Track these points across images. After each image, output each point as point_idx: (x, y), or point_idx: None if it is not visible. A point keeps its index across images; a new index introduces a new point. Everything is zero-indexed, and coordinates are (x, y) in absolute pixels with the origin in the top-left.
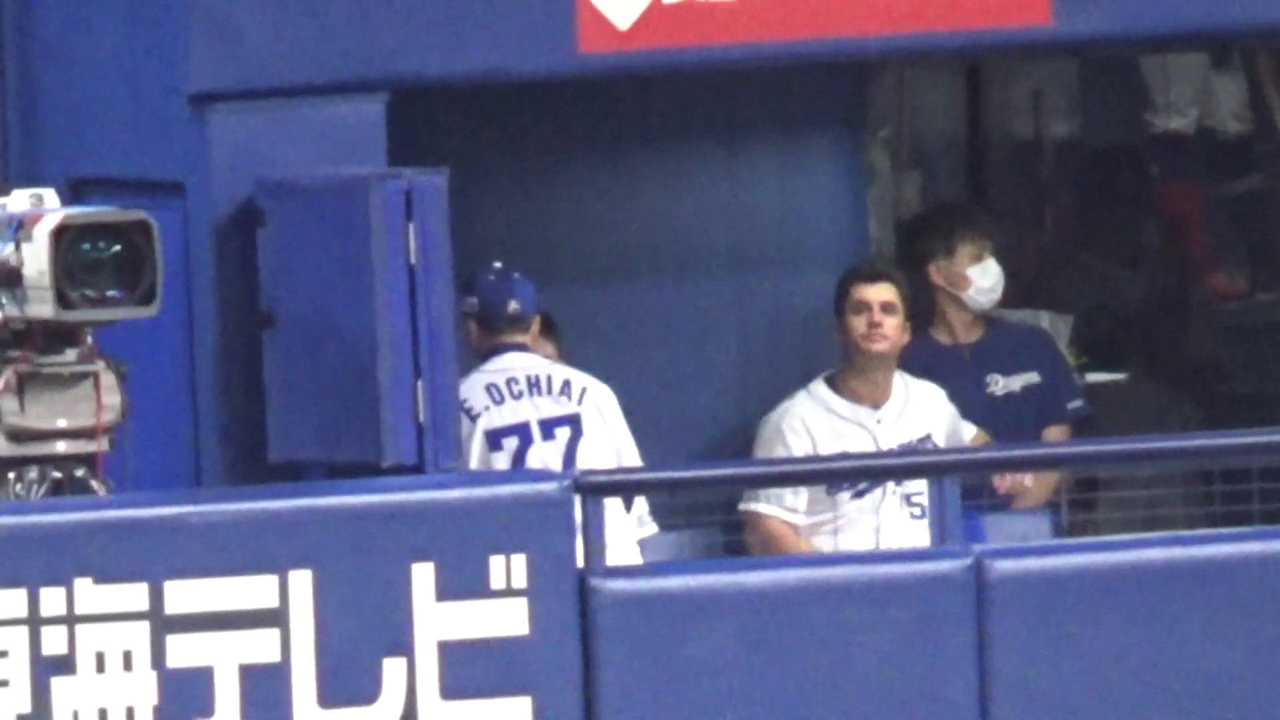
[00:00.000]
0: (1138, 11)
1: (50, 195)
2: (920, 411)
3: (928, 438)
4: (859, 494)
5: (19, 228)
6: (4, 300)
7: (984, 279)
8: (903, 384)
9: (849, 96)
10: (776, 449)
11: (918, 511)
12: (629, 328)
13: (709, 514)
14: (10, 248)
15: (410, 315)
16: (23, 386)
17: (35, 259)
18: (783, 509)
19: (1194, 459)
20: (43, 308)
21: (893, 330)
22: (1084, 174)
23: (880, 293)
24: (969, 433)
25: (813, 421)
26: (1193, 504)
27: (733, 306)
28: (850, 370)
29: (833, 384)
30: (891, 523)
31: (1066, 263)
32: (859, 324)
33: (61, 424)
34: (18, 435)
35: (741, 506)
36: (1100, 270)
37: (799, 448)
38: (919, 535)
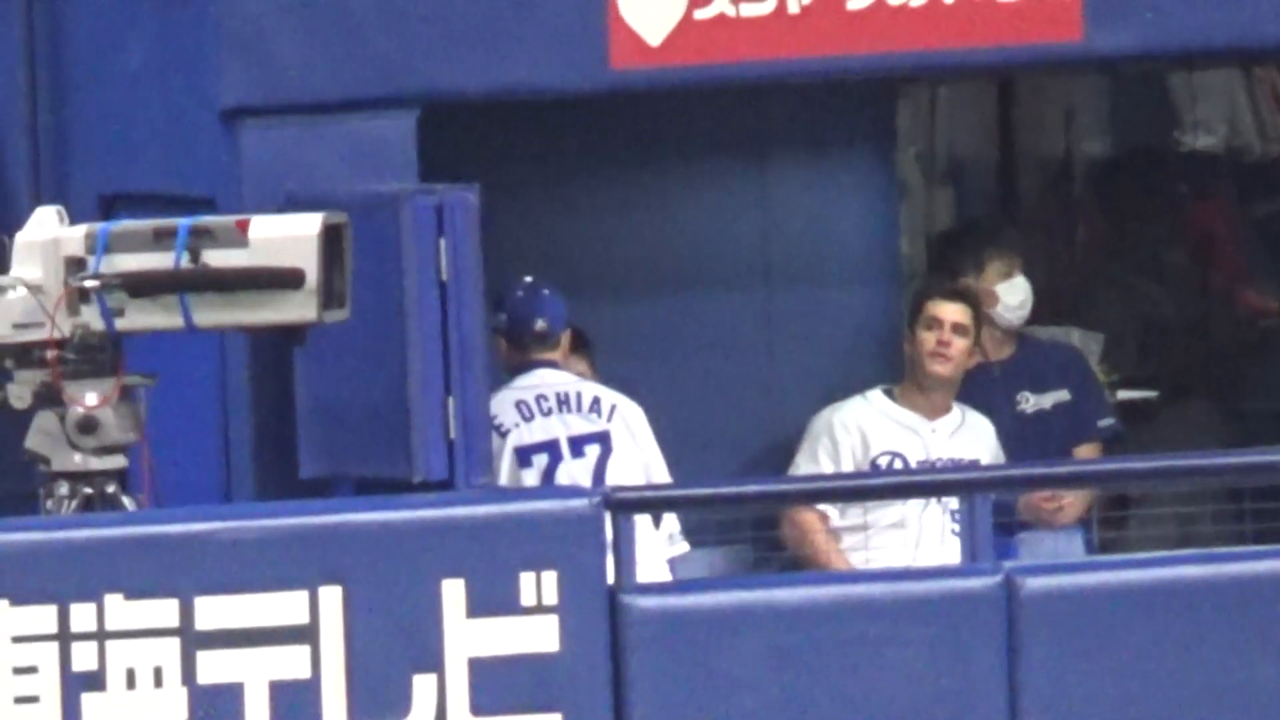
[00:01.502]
0: (1169, 28)
1: (61, 212)
2: (972, 438)
3: (975, 463)
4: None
5: (195, 235)
6: (127, 309)
7: (1012, 296)
8: (959, 410)
9: (880, 112)
10: (823, 443)
11: (959, 528)
12: (659, 343)
13: (739, 531)
14: (183, 257)
15: (441, 331)
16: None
17: (302, 260)
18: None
19: (1225, 477)
20: (290, 311)
21: (958, 352)
22: (1106, 188)
23: (955, 313)
24: None
25: (866, 422)
26: (1223, 521)
27: (763, 322)
28: (911, 385)
29: (890, 395)
30: (932, 533)
31: (1100, 280)
32: (928, 340)
33: (132, 436)
34: (112, 449)
35: None
36: (1133, 288)
37: (846, 444)
38: (957, 550)
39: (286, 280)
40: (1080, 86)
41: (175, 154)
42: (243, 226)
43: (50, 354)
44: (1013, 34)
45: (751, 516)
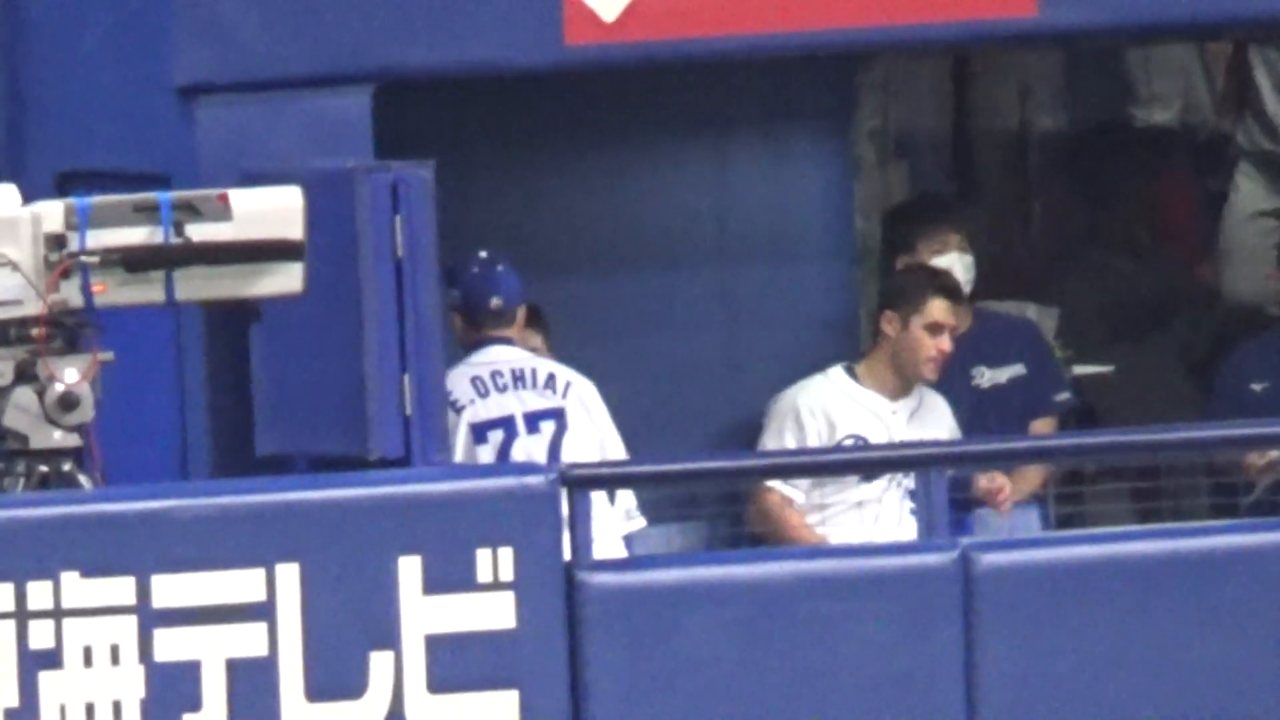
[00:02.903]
0: (1123, 3)
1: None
2: (931, 419)
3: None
4: (865, 478)
5: (178, 209)
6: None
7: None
8: (919, 390)
9: (836, 89)
10: (789, 428)
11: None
12: (616, 320)
13: (698, 507)
14: (171, 229)
15: (397, 308)
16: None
17: (288, 231)
18: (783, 483)
19: (1183, 451)
20: (276, 283)
21: (950, 356)
22: (1069, 164)
23: (956, 319)
24: None
25: (831, 405)
26: (1180, 496)
27: (720, 299)
28: (879, 365)
29: (851, 373)
30: (891, 513)
31: (1065, 256)
32: (928, 344)
33: (93, 414)
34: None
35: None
36: (1104, 265)
37: (813, 429)
38: (914, 530)
39: (285, 252)
40: (1036, 62)
41: (131, 131)
42: (223, 200)
43: (37, 330)
44: (968, 9)
45: (709, 493)
